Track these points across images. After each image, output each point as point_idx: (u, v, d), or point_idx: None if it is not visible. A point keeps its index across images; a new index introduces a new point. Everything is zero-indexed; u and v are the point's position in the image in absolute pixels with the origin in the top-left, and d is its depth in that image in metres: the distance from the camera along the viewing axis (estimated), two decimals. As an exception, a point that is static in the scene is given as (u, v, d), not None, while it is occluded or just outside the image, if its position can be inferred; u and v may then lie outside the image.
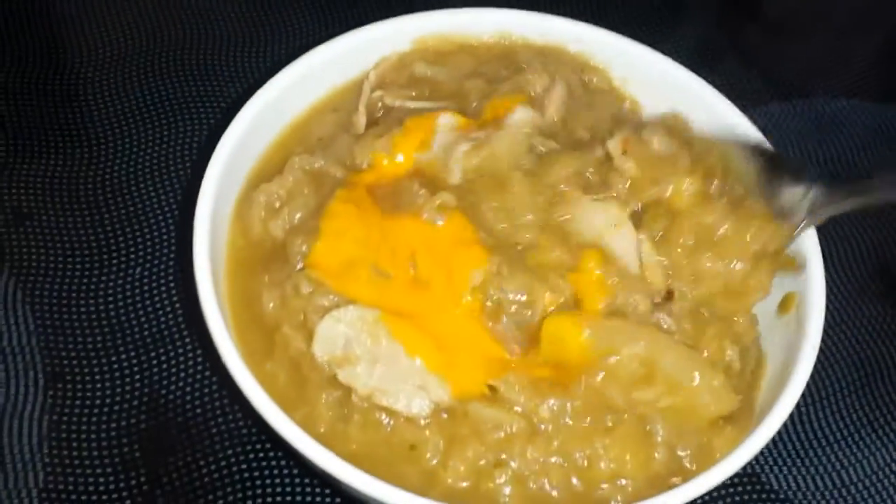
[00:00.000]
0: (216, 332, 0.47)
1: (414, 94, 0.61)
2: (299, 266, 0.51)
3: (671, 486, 0.47)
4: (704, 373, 0.49)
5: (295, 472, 0.55)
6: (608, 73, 0.63)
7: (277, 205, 0.55)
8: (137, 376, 0.58)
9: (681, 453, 0.49)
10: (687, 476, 0.47)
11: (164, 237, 0.64)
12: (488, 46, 0.64)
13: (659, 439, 0.49)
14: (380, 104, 0.61)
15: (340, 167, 0.56)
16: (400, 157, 0.56)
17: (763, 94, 0.75)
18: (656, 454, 0.49)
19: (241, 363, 0.46)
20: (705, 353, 0.51)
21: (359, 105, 0.60)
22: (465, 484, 0.47)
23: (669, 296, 0.52)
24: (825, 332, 0.51)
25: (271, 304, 0.51)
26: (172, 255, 0.63)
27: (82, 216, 0.64)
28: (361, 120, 0.59)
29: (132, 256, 0.63)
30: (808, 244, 0.53)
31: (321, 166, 0.56)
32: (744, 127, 0.59)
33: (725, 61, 0.78)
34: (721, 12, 0.82)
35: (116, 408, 0.57)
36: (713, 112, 0.60)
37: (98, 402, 0.57)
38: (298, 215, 0.54)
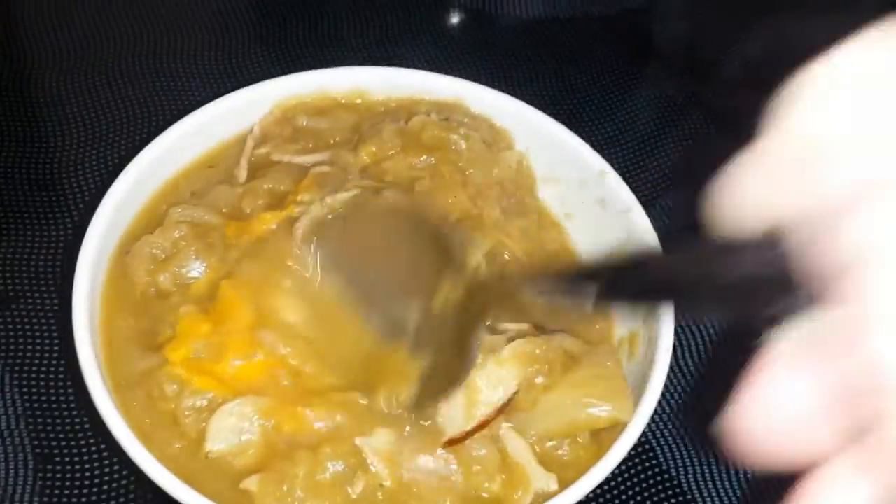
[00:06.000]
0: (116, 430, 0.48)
1: (299, 147, 0.62)
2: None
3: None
4: None
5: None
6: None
7: (163, 257, 0.55)
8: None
9: None
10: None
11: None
12: (370, 104, 0.65)
13: None
14: (265, 160, 0.62)
15: (218, 215, 0.57)
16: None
17: (725, 151, 0.78)
18: None
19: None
20: None
21: (241, 159, 0.61)
22: None
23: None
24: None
25: (138, 404, 0.51)
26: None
27: (65, 298, 0.65)
28: (243, 172, 0.60)
29: (117, 336, 0.64)
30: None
31: (200, 216, 0.57)
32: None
33: (686, 119, 0.81)
34: (681, 70, 0.85)
35: (105, 487, 0.58)
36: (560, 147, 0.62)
37: (87, 482, 0.58)
38: (185, 270, 0.54)
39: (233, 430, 0.49)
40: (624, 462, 0.56)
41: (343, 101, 0.65)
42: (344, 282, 0.53)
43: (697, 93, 0.78)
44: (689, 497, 0.61)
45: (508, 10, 0.90)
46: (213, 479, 0.48)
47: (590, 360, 0.53)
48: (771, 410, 0.28)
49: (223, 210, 0.58)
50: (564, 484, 0.49)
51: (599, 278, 0.42)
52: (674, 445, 0.63)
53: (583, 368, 0.52)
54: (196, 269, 0.55)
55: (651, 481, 0.61)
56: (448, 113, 0.63)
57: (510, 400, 0.51)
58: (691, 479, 0.62)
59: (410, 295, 0.52)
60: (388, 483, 0.48)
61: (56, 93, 0.79)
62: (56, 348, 0.63)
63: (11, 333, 0.64)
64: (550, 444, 0.52)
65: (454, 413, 0.50)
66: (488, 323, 0.52)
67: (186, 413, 0.49)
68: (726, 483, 0.62)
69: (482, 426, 0.50)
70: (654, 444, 0.63)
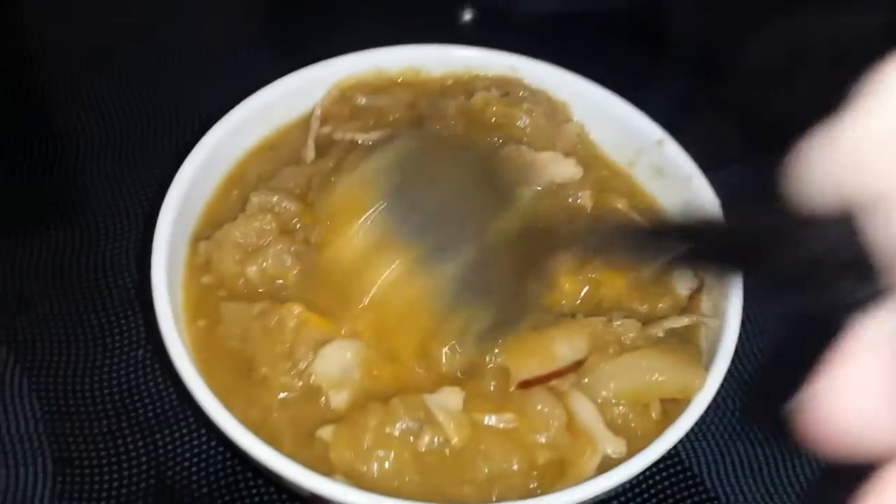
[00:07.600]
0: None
1: (360, 124, 0.62)
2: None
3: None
4: None
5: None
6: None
7: (247, 243, 0.56)
8: (144, 458, 0.59)
9: None
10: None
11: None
12: (426, 80, 0.66)
13: None
14: (327, 139, 0.62)
15: (296, 200, 0.57)
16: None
17: (739, 148, 0.77)
18: None
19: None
20: None
21: (307, 139, 0.62)
22: None
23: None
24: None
25: (251, 340, 0.52)
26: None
27: (84, 300, 0.66)
28: (310, 152, 0.61)
29: (134, 338, 0.64)
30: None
31: (278, 200, 0.57)
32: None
33: (702, 114, 0.80)
34: (697, 65, 0.84)
35: (124, 491, 0.58)
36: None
37: (106, 486, 0.58)
38: (271, 258, 0.55)
39: (339, 361, 0.50)
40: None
41: (400, 80, 0.66)
42: (403, 215, 0.53)
43: (712, 88, 0.77)
44: (712, 495, 0.60)
45: (521, 7, 0.90)
46: (293, 430, 0.50)
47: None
48: (847, 400, 0.26)
49: (296, 192, 0.58)
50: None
51: (677, 237, 0.41)
52: (696, 443, 0.63)
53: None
54: (284, 261, 0.55)
55: (674, 479, 0.61)
56: (506, 88, 0.64)
57: (584, 360, 0.52)
58: (714, 477, 0.61)
59: (464, 225, 0.53)
60: (455, 441, 0.49)
61: (69, 102, 0.79)
62: (73, 352, 0.63)
63: (28, 338, 0.64)
64: (619, 411, 0.51)
65: (530, 362, 0.51)
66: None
67: (301, 347, 0.51)
68: (750, 481, 0.61)
69: (555, 375, 0.51)
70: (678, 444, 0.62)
